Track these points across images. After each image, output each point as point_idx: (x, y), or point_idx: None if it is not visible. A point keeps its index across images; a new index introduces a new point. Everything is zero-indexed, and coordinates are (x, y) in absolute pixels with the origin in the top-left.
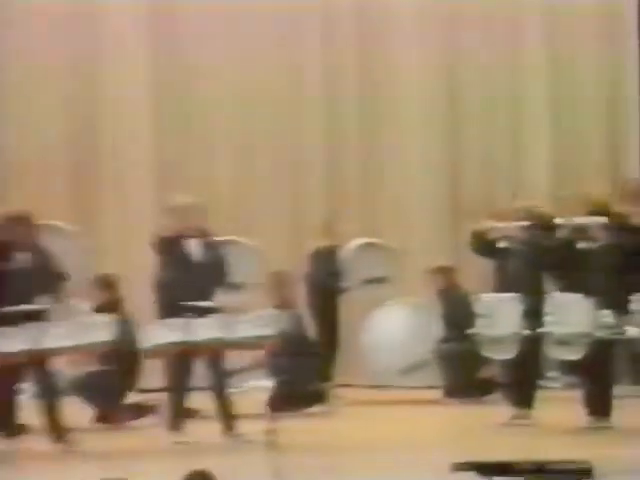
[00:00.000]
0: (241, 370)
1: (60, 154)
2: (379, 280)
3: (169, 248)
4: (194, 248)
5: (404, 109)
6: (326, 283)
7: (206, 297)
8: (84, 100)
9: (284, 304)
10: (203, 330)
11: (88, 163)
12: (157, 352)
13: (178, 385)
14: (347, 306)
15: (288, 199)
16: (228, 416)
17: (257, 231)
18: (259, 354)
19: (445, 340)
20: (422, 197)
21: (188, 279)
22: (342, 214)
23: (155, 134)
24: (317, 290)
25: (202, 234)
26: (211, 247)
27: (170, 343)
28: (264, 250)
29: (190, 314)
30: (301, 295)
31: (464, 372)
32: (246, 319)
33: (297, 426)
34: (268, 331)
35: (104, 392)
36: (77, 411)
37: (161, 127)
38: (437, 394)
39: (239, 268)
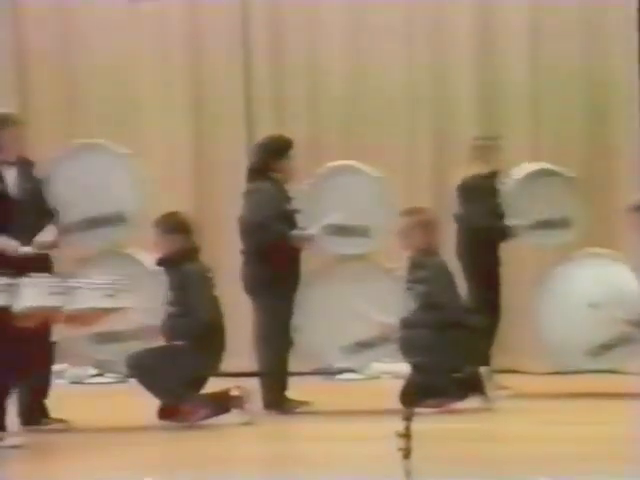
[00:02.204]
0: (363, 346)
1: None
2: (559, 222)
3: None
4: (11, 179)
5: None
6: (483, 225)
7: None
8: None
9: (423, 252)
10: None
11: None
12: None
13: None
14: (513, 258)
15: (428, 110)
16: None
17: (385, 155)
18: (388, 324)
19: None
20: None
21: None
22: (503, 132)
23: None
24: (470, 235)
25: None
26: (32, 178)
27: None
28: (395, 181)
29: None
30: (448, 242)
31: None
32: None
33: (442, 426)
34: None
35: (171, 376)
36: (138, 400)
37: None
38: None
39: (360, 206)
